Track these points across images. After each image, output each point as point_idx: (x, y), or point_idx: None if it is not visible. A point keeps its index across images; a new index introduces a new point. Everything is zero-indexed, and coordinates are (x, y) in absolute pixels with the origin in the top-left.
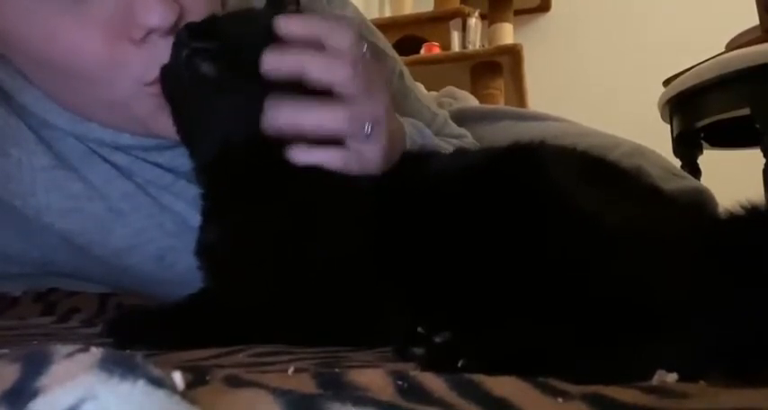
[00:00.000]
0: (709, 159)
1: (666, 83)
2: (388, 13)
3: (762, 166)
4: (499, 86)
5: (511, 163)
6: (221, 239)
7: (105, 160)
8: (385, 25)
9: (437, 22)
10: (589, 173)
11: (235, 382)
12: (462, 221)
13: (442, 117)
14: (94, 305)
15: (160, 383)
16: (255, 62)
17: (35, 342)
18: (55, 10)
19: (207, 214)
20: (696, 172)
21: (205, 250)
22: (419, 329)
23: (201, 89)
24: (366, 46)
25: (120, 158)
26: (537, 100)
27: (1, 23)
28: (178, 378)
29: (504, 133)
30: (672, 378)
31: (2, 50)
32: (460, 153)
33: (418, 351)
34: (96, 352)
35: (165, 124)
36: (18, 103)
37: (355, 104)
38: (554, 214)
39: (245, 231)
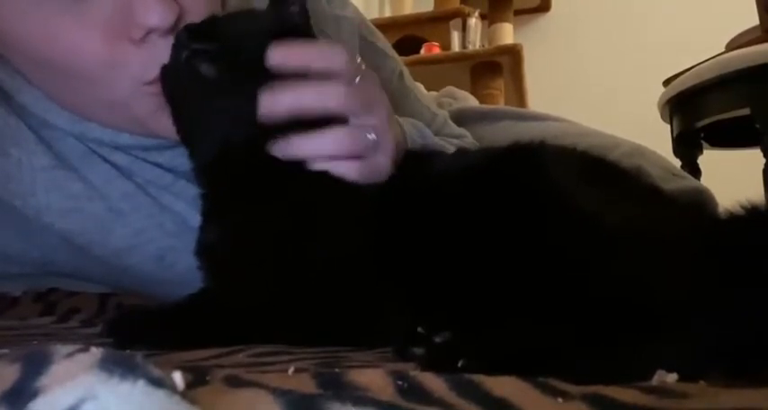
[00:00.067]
0: (709, 159)
1: (666, 83)
2: (388, 13)
3: (762, 166)
4: (499, 86)
5: (511, 163)
6: (221, 239)
7: (105, 160)
8: (385, 25)
9: (437, 22)
10: (589, 174)
11: (235, 382)
12: (462, 221)
13: (441, 117)
14: (94, 305)
15: (160, 383)
16: (255, 63)
17: (35, 342)
18: (54, 10)
19: (207, 214)
20: (696, 172)
21: (205, 250)
22: (419, 329)
23: (201, 90)
24: (360, 60)
25: (119, 158)
26: (537, 100)
27: (0, 23)
28: (178, 378)
29: (504, 133)
30: (672, 378)
31: (1, 50)
32: (461, 153)
33: (418, 351)
34: (96, 351)
35: (165, 124)
36: (18, 103)
37: (357, 119)
38: (554, 214)
39: (245, 231)
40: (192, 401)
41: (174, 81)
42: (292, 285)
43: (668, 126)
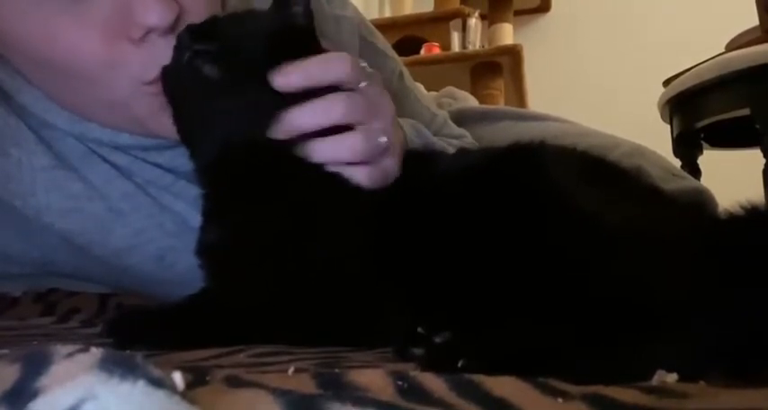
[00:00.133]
0: (709, 159)
1: (666, 83)
2: (388, 14)
3: (762, 166)
4: (499, 87)
5: (511, 163)
6: (221, 239)
7: (105, 160)
8: (385, 25)
9: (437, 22)
10: (589, 174)
11: (235, 382)
12: (462, 221)
13: (441, 117)
14: (94, 305)
15: (160, 383)
16: (257, 63)
17: (35, 342)
18: (54, 10)
19: (207, 214)
20: (696, 172)
21: (205, 250)
22: (419, 329)
23: (203, 90)
24: (363, 63)
25: (119, 158)
26: (537, 100)
27: (0, 23)
28: (178, 378)
29: (504, 133)
30: (672, 378)
31: (1, 50)
32: (461, 153)
33: (418, 351)
34: (96, 352)
35: (165, 124)
36: (18, 103)
37: (365, 124)
38: (554, 214)
39: (245, 231)
40: (192, 401)
41: (175, 81)
42: (293, 285)
43: (668, 126)
